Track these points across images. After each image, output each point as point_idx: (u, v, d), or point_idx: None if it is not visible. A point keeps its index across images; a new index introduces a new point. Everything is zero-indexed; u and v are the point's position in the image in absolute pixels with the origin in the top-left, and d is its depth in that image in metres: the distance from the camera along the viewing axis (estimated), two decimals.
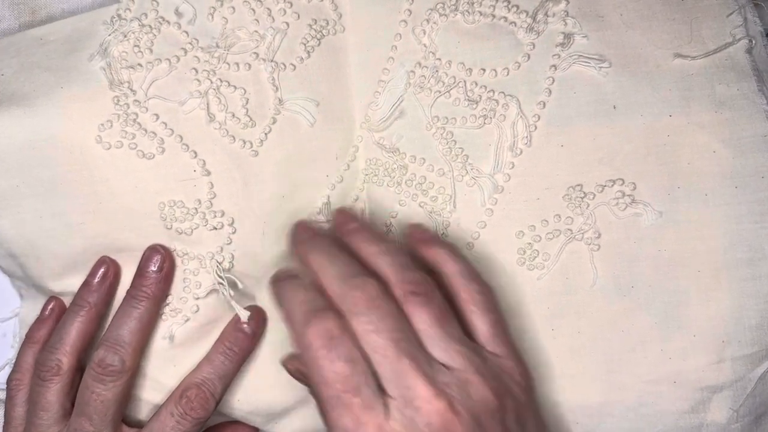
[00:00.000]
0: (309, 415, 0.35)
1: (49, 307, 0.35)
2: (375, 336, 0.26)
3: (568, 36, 0.33)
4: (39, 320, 0.35)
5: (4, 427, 0.34)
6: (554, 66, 0.33)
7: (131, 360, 0.32)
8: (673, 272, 0.32)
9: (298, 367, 0.32)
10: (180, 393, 0.32)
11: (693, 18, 0.32)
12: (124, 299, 0.33)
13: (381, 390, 0.26)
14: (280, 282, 0.30)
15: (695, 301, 0.32)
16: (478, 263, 0.34)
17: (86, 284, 0.34)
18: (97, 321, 0.34)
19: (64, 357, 0.32)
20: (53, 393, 0.32)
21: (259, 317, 0.34)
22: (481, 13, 0.33)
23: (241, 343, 0.33)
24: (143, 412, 0.35)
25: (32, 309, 0.36)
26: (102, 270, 0.34)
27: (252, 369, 0.35)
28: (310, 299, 0.28)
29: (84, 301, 0.33)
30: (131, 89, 0.33)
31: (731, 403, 0.33)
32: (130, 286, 0.33)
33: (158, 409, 0.33)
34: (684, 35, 0.32)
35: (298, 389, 0.34)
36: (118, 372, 0.31)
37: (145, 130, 0.33)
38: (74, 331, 0.33)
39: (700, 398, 0.33)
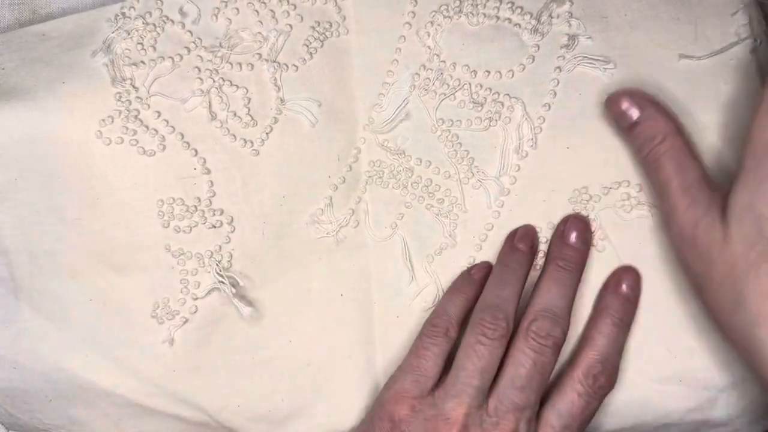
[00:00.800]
0: (313, 423, 0.34)
1: (481, 268, 0.33)
2: None
3: (572, 37, 0.33)
4: (467, 278, 0.33)
5: (402, 380, 0.31)
6: (559, 68, 0.33)
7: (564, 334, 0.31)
8: (679, 272, 0.32)
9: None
10: (584, 371, 0.30)
11: (697, 18, 0.32)
12: (550, 266, 0.32)
13: None
14: None
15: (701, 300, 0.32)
16: None
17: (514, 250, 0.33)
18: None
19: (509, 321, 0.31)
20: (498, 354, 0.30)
21: (635, 281, 0.32)
22: (485, 15, 0.33)
23: (627, 312, 0.32)
24: (144, 420, 0.33)
25: None
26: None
27: (253, 374, 0.33)
28: None
29: (519, 264, 0.32)
30: (133, 86, 0.32)
31: (737, 402, 0.32)
32: (553, 255, 0.32)
33: (560, 386, 0.31)
34: (689, 35, 0.32)
35: (300, 396, 0.33)
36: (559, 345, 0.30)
37: (147, 127, 0.32)
38: (516, 295, 0.31)
39: (707, 397, 0.32)
